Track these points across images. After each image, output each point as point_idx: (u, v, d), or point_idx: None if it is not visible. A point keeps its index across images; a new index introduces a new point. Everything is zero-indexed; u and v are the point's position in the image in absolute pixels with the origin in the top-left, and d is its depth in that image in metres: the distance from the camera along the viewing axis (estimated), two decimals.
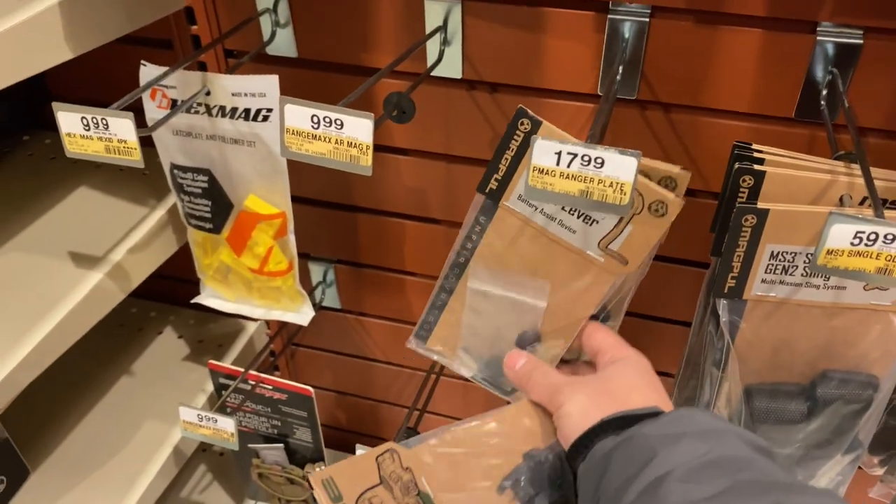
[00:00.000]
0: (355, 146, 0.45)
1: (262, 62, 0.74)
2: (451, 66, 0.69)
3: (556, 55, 0.66)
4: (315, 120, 0.45)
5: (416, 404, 0.79)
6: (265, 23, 0.71)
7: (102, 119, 0.49)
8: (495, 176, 0.56)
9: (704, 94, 0.65)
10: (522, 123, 0.53)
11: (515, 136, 0.54)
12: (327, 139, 0.46)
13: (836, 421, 0.53)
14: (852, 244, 0.40)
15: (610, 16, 0.62)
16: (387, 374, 1.00)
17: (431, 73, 0.68)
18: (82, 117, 0.49)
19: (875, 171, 0.50)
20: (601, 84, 0.66)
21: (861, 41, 0.58)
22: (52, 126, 0.90)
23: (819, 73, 0.60)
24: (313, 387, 1.07)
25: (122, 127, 0.49)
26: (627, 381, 0.52)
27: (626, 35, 0.63)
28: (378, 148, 0.77)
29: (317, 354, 1.03)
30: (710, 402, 0.55)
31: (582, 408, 0.50)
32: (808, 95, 0.61)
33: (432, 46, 0.68)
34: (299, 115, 0.45)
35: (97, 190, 0.79)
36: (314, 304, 0.93)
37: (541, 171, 0.43)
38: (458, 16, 0.66)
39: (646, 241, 0.51)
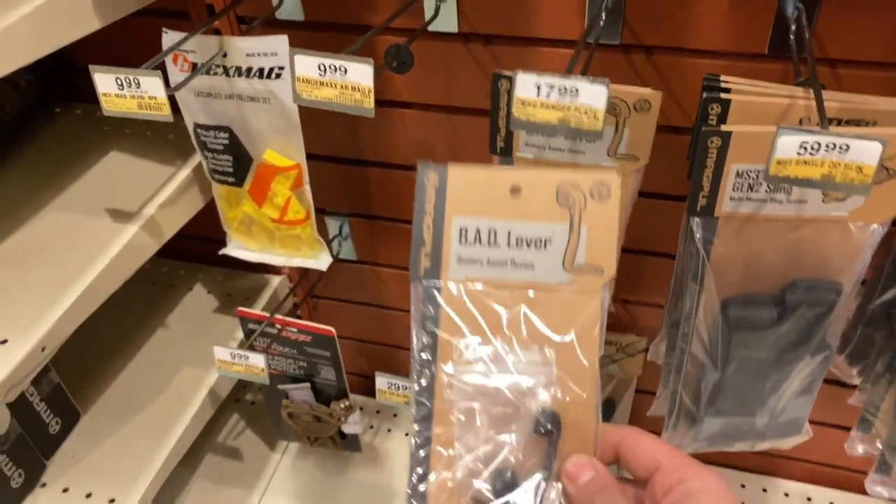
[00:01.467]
0: (358, 90, 0.51)
1: (273, 26, 0.80)
2: (447, 21, 0.74)
3: (543, 6, 0.71)
4: (322, 68, 0.51)
5: None
6: None
7: (135, 78, 0.55)
8: (425, 252, 0.47)
9: (684, 35, 0.69)
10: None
11: (427, 197, 0.47)
12: (333, 85, 0.51)
13: (803, 324, 0.58)
14: (798, 154, 0.45)
15: None
16: (403, 322, 1.07)
17: (429, 29, 0.73)
18: (116, 78, 0.55)
19: (832, 94, 0.55)
20: (587, 30, 0.71)
21: None
22: (82, 97, 0.97)
23: (788, 9, 0.64)
24: None
25: (153, 85, 0.55)
26: None
27: None
28: (383, 103, 0.83)
29: (336, 305, 1.09)
30: (690, 313, 0.60)
31: None
32: (778, 31, 0.66)
33: (429, 3, 0.73)
34: (307, 63, 0.51)
35: (128, 153, 0.85)
36: (332, 256, 0.99)
37: (523, 102, 0.49)
38: None
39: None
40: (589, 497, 0.43)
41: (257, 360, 0.79)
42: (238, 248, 0.84)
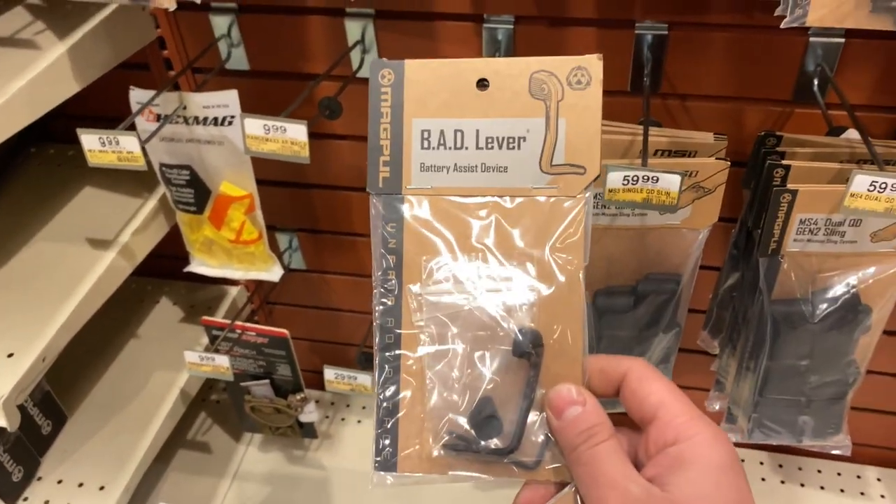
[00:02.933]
0: (296, 144, 0.66)
1: (224, 75, 0.94)
2: None
3: (448, 55, 0.86)
4: (266, 127, 0.65)
5: (366, 342, 1.00)
6: (222, 45, 0.90)
7: (114, 138, 0.68)
8: (383, 160, 0.44)
9: None
10: (385, 75, 0.43)
11: (383, 96, 0.43)
12: (276, 140, 0.66)
13: (654, 308, 0.75)
14: (623, 184, 0.61)
15: (485, 25, 0.82)
16: (349, 321, 1.21)
17: (356, 76, 0.88)
18: (99, 137, 0.69)
19: (665, 131, 0.72)
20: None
21: (667, 32, 0.78)
22: (55, 139, 1.10)
23: (642, 57, 0.81)
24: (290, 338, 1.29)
25: (129, 142, 0.68)
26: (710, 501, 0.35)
27: (500, 38, 0.83)
28: (323, 136, 0.97)
29: (290, 309, 1.23)
30: None
31: None
32: (636, 74, 0.82)
33: (355, 55, 0.88)
34: (254, 125, 0.65)
35: (100, 188, 0.98)
36: (284, 267, 1.13)
37: None
38: (371, 31, 0.85)
39: (588, 128, 0.41)
40: (573, 437, 0.37)
41: (222, 361, 0.93)
42: (200, 265, 0.97)
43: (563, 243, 0.41)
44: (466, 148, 0.42)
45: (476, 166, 0.41)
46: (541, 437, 0.40)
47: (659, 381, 0.39)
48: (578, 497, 0.39)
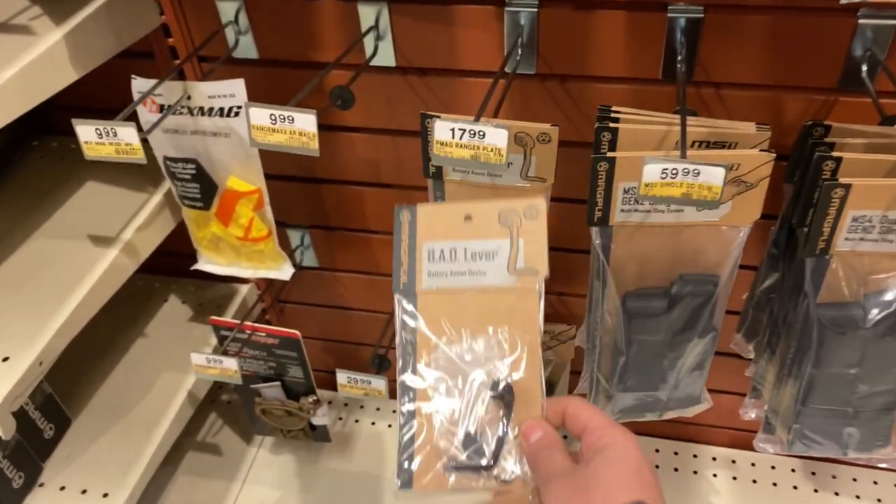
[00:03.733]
0: (304, 135, 0.61)
1: (231, 64, 0.89)
2: (386, 57, 0.84)
3: (468, 42, 0.81)
4: (272, 117, 0.61)
5: (384, 336, 0.95)
6: (230, 32, 0.85)
7: (112, 129, 0.64)
8: (403, 270, 0.59)
9: (590, 64, 0.80)
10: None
11: (403, 229, 0.60)
12: (283, 131, 0.61)
13: (689, 311, 0.70)
14: (661, 178, 0.56)
15: (506, 8, 0.77)
16: (363, 320, 1.17)
17: (370, 64, 0.83)
18: (96, 128, 0.64)
19: (703, 121, 0.66)
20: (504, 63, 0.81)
21: (702, 15, 0.73)
22: (57, 131, 1.06)
23: (675, 42, 0.75)
24: (301, 335, 1.25)
25: (127, 134, 0.64)
26: (613, 476, 0.49)
27: (523, 23, 0.78)
28: (335, 128, 0.93)
29: (302, 308, 1.19)
30: (597, 305, 0.71)
31: None
32: (669, 60, 0.77)
33: (369, 42, 0.83)
34: (260, 114, 0.61)
35: (103, 182, 0.94)
36: (295, 265, 1.09)
37: (442, 143, 0.59)
38: (386, 16, 0.80)
39: (539, 244, 0.58)
40: (536, 451, 0.53)
41: (230, 364, 0.88)
42: (208, 263, 0.93)
43: (524, 322, 0.58)
44: (458, 260, 0.59)
45: (465, 272, 0.59)
46: (512, 459, 0.56)
47: (588, 408, 0.55)
48: (536, 495, 0.54)
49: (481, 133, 0.58)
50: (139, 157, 0.65)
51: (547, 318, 0.67)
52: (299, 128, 0.61)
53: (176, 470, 1.18)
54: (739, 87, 0.77)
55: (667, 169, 0.56)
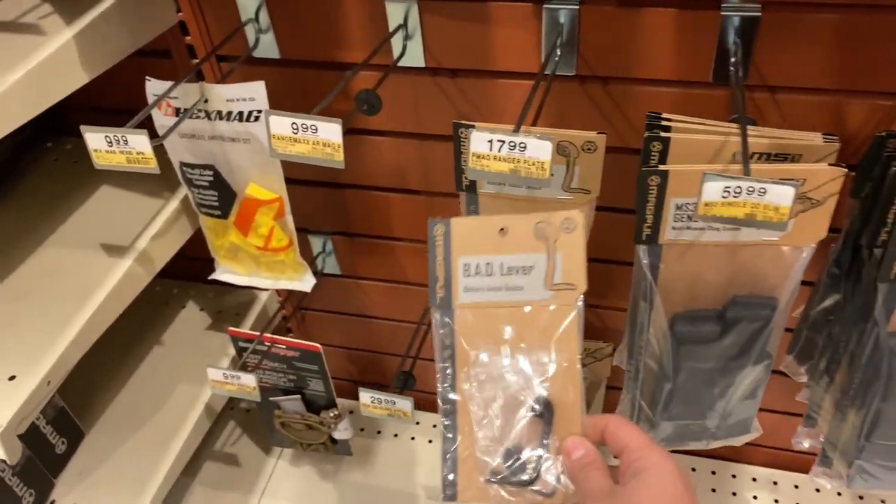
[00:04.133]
0: (329, 145, 0.56)
1: (252, 64, 0.85)
2: (414, 57, 0.79)
3: (503, 41, 0.76)
4: (294, 126, 0.56)
5: (409, 351, 0.90)
6: (249, 31, 0.81)
7: (122, 136, 0.60)
8: (440, 285, 0.58)
9: (634, 65, 0.74)
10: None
11: (437, 242, 0.57)
12: (306, 141, 0.56)
13: (744, 337, 0.64)
14: (723, 196, 0.51)
15: (545, 5, 0.72)
16: (387, 329, 1.12)
17: (398, 65, 0.78)
18: (105, 136, 0.60)
19: (762, 130, 0.61)
20: (544, 64, 0.76)
21: (759, 14, 0.67)
22: (71, 132, 1.02)
23: (728, 42, 0.70)
24: (323, 344, 1.20)
25: (139, 142, 0.60)
26: (652, 499, 0.50)
27: (562, 21, 0.72)
28: (359, 131, 0.88)
29: (324, 316, 1.15)
30: (642, 328, 0.66)
31: None
32: (720, 61, 0.71)
33: (396, 41, 0.78)
34: (282, 123, 0.56)
35: (118, 187, 0.90)
36: (317, 272, 1.04)
37: (479, 156, 0.54)
38: (415, 14, 0.75)
39: (576, 258, 0.56)
40: (578, 469, 0.54)
41: (248, 380, 0.84)
42: (226, 272, 0.89)
43: (562, 338, 0.57)
44: (494, 275, 0.57)
45: (501, 287, 0.57)
46: (553, 474, 0.57)
47: (628, 427, 0.55)
48: None
49: (522, 145, 0.53)
50: (151, 166, 0.61)
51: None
52: (323, 138, 0.56)
53: (193, 480, 1.14)
54: (798, 91, 0.71)
55: (729, 187, 0.50)
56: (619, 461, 0.54)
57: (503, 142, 0.53)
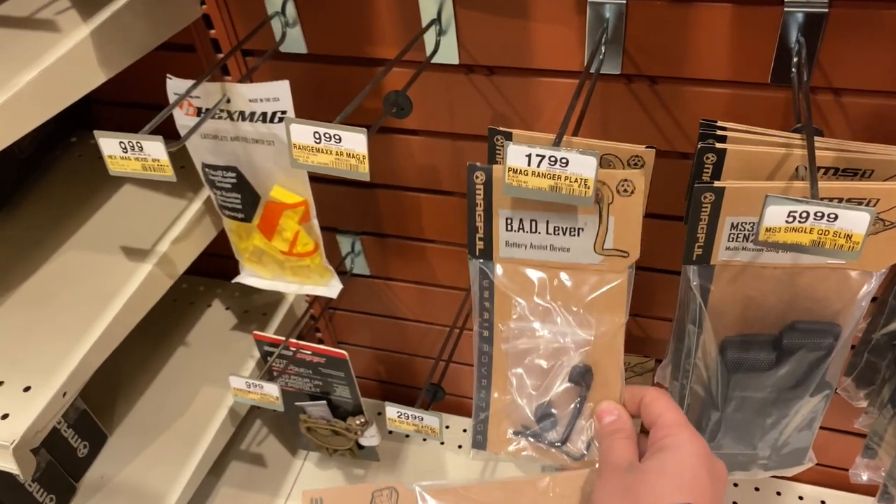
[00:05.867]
0: (353, 156, 0.52)
1: (278, 59, 0.81)
2: (448, 54, 0.74)
3: (543, 37, 0.71)
4: (317, 136, 0.52)
5: (442, 355, 0.86)
6: (276, 24, 0.77)
7: (137, 143, 0.56)
8: (479, 237, 0.56)
9: (685, 64, 0.69)
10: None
11: (477, 191, 0.54)
12: (329, 151, 0.52)
13: (803, 367, 0.59)
14: (787, 222, 0.45)
15: (589, 0, 0.66)
16: (417, 331, 1.09)
17: (431, 62, 0.74)
18: (120, 142, 0.57)
19: (829, 142, 0.55)
20: (587, 62, 0.70)
21: (826, 10, 0.61)
22: (97, 127, 0.99)
23: (790, 41, 0.64)
24: (351, 345, 1.17)
25: (155, 148, 0.56)
26: (663, 483, 0.48)
27: (608, 16, 0.67)
28: (390, 130, 0.84)
29: (353, 316, 1.11)
30: (689, 353, 0.61)
31: None
32: (780, 60, 0.65)
33: (429, 37, 0.73)
34: (303, 132, 0.52)
35: (140, 186, 0.87)
36: (345, 272, 1.01)
37: (515, 171, 0.49)
38: (450, 8, 0.71)
39: (631, 224, 0.53)
40: (605, 434, 0.54)
41: (272, 390, 0.81)
42: (251, 275, 0.86)
43: (608, 305, 0.55)
44: (539, 232, 0.54)
45: (546, 246, 0.55)
46: (584, 439, 0.57)
47: (665, 401, 0.54)
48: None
49: (564, 160, 0.48)
50: (168, 174, 0.57)
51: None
52: (347, 148, 0.52)
53: (219, 480, 1.12)
54: (867, 94, 0.65)
55: (795, 211, 0.45)
56: (650, 432, 0.53)
57: (542, 156, 0.48)
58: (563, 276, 0.56)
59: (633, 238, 0.53)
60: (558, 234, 0.54)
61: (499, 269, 0.56)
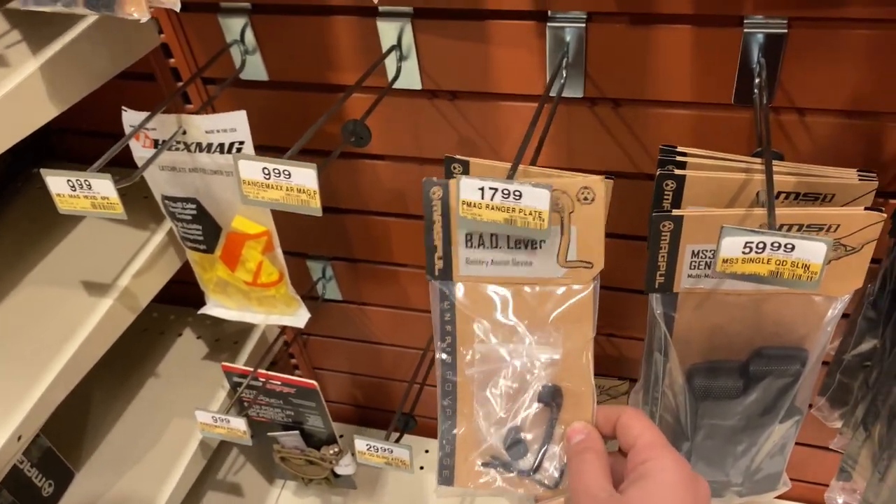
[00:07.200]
0: (304, 192, 0.51)
1: (239, 86, 0.80)
2: (411, 79, 0.73)
3: (505, 62, 0.70)
4: (266, 171, 0.51)
5: (416, 379, 0.85)
6: (235, 52, 0.76)
7: (86, 181, 0.55)
8: (437, 256, 0.54)
9: (648, 87, 0.68)
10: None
11: (434, 207, 0.52)
12: (279, 187, 0.51)
13: (771, 393, 0.58)
14: (744, 253, 0.45)
15: (549, 24, 0.66)
16: (391, 355, 1.07)
17: (393, 87, 0.73)
18: (68, 180, 0.55)
19: (789, 166, 0.54)
20: (547, 86, 0.70)
21: (786, 31, 0.61)
22: (57, 156, 0.97)
23: (751, 61, 0.63)
24: (327, 370, 1.16)
25: (104, 186, 0.55)
26: None
27: (568, 40, 0.66)
28: (355, 156, 0.83)
29: (327, 341, 1.10)
30: (657, 381, 0.60)
31: None
32: (743, 81, 0.64)
33: (391, 62, 0.72)
34: (252, 168, 0.51)
35: (103, 218, 0.85)
36: (317, 298, 0.99)
37: (469, 204, 0.48)
38: (410, 33, 0.70)
39: (594, 233, 0.52)
40: (574, 454, 0.51)
41: (239, 424, 0.79)
42: (217, 306, 0.84)
43: (574, 320, 0.53)
44: (499, 248, 0.53)
45: (508, 261, 0.53)
46: (556, 464, 0.54)
47: (642, 422, 0.51)
48: None
49: (517, 193, 0.47)
50: (118, 212, 0.56)
51: (595, 363, 0.57)
52: (297, 184, 0.50)
53: None
54: (829, 113, 0.65)
55: (751, 242, 0.44)
56: (627, 459, 0.50)
57: (496, 189, 0.47)
58: (527, 290, 0.54)
59: (597, 248, 0.52)
60: (520, 247, 0.52)
61: (459, 290, 0.54)
